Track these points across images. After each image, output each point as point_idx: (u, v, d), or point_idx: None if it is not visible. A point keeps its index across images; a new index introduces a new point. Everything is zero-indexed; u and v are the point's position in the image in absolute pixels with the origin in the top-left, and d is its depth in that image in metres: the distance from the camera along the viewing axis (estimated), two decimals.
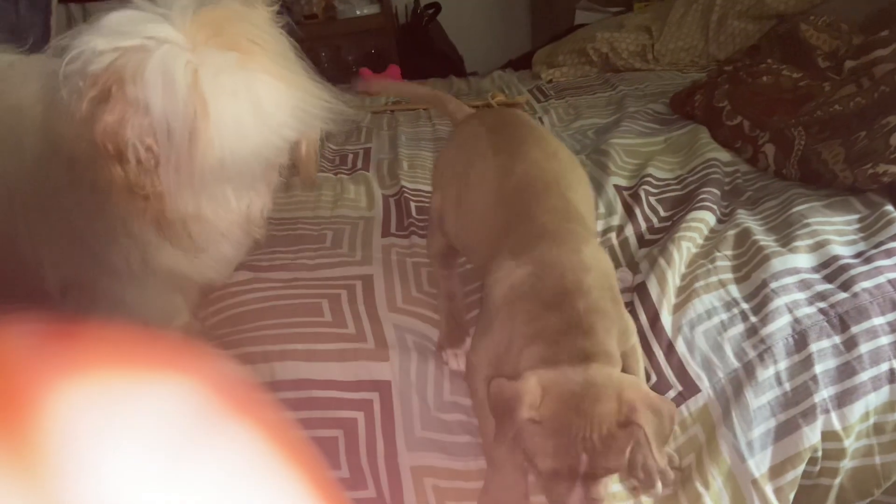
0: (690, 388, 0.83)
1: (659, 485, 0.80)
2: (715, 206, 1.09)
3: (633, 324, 0.81)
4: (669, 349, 0.85)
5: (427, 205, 1.22)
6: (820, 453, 0.83)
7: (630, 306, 0.89)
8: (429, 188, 1.29)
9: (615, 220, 1.12)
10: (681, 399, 0.83)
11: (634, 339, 0.80)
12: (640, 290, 0.92)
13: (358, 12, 2.85)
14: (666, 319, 0.87)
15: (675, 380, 0.84)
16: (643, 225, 1.09)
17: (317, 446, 0.79)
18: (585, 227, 0.81)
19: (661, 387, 0.83)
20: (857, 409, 0.83)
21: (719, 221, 1.07)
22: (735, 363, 0.83)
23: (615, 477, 0.74)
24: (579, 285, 0.73)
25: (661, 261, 0.95)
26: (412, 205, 1.22)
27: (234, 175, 0.74)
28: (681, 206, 1.12)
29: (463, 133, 0.96)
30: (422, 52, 3.00)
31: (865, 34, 1.47)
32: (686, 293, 0.91)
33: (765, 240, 0.97)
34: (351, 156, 1.47)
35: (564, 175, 0.85)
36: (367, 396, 0.83)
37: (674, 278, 0.93)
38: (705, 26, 1.90)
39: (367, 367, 0.84)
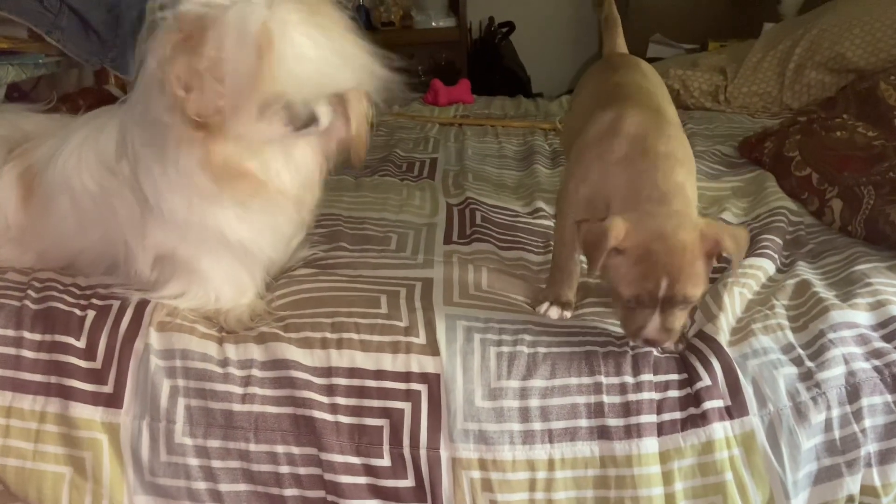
0: (740, 409, 0.85)
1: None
2: (776, 255, 1.09)
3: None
4: (727, 366, 0.87)
5: (491, 216, 1.26)
6: None
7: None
8: (493, 202, 1.33)
9: None
10: (726, 414, 0.85)
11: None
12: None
13: (434, 24, 2.92)
14: (724, 344, 0.89)
15: (726, 392, 0.85)
16: None
17: (362, 434, 0.84)
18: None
19: (711, 392, 0.85)
20: None
21: (779, 271, 1.07)
22: (786, 401, 0.85)
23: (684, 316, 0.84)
24: (661, 131, 0.89)
25: (711, 302, 0.97)
26: (478, 214, 1.26)
27: (289, 114, 0.82)
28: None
29: (588, 71, 1.19)
30: (491, 68, 3.04)
31: None
32: (742, 332, 0.92)
33: (824, 293, 0.97)
34: (418, 164, 1.52)
35: (657, 94, 1.02)
36: (416, 388, 0.87)
37: (727, 319, 0.94)
38: (782, 73, 1.90)
39: (419, 360, 0.88)
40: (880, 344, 0.90)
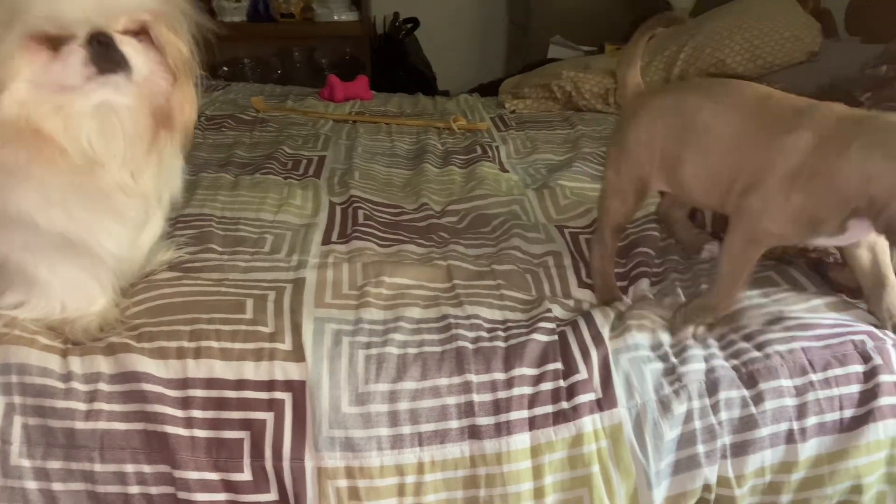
0: (609, 401, 0.87)
1: None
2: (649, 270, 1.11)
3: None
4: (605, 360, 0.89)
5: (374, 214, 1.23)
6: (713, 496, 0.86)
7: (575, 325, 0.94)
8: (379, 199, 1.30)
9: (555, 247, 1.16)
10: (597, 407, 0.87)
11: None
12: (587, 315, 0.96)
13: (336, 17, 2.87)
14: (607, 339, 0.91)
15: (598, 386, 0.87)
16: (580, 263, 1.12)
17: (220, 448, 0.80)
18: None
19: (585, 385, 0.87)
20: (752, 461, 0.87)
21: (652, 284, 1.09)
22: (653, 394, 0.87)
23: None
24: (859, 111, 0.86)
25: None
26: (360, 213, 1.23)
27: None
28: (619, 256, 1.15)
29: (653, 108, 1.04)
30: (395, 64, 3.03)
31: None
32: (620, 328, 0.95)
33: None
34: (304, 162, 1.48)
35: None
36: (280, 397, 0.84)
37: (612, 311, 0.97)
38: (667, 78, 1.97)
39: (283, 367, 0.85)
40: (740, 345, 0.93)
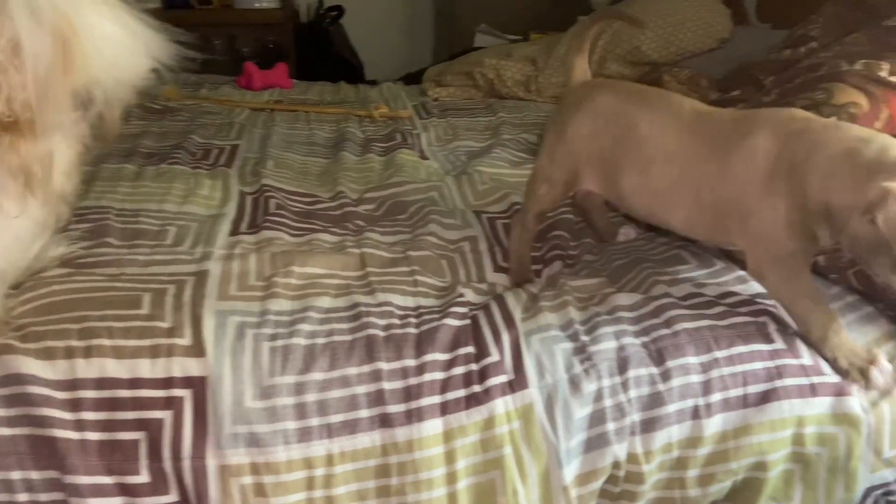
0: (521, 382, 0.87)
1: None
2: (562, 252, 1.12)
3: None
4: (516, 342, 0.89)
5: (287, 204, 1.20)
6: (623, 473, 0.87)
7: (487, 308, 0.94)
8: (292, 188, 1.27)
9: (471, 232, 1.15)
10: (509, 388, 0.86)
11: None
12: (499, 298, 0.96)
13: (256, 4, 2.79)
14: (518, 321, 0.91)
15: (510, 367, 0.87)
16: (496, 247, 1.12)
17: (114, 451, 0.76)
18: None
19: (497, 367, 0.87)
20: (660, 437, 0.88)
21: (566, 266, 1.10)
22: (563, 373, 0.88)
23: None
24: (838, 126, 0.86)
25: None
26: (272, 202, 1.19)
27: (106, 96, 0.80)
28: (536, 240, 1.15)
29: (597, 106, 1.02)
30: (321, 53, 2.96)
31: (721, 91, 1.59)
32: (533, 309, 0.95)
33: (605, 282, 1.02)
34: (215, 151, 1.42)
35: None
36: (179, 394, 0.80)
37: (525, 294, 0.97)
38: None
39: (182, 364, 0.81)
40: (650, 322, 0.95)
